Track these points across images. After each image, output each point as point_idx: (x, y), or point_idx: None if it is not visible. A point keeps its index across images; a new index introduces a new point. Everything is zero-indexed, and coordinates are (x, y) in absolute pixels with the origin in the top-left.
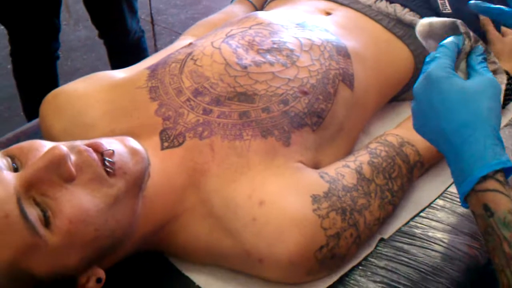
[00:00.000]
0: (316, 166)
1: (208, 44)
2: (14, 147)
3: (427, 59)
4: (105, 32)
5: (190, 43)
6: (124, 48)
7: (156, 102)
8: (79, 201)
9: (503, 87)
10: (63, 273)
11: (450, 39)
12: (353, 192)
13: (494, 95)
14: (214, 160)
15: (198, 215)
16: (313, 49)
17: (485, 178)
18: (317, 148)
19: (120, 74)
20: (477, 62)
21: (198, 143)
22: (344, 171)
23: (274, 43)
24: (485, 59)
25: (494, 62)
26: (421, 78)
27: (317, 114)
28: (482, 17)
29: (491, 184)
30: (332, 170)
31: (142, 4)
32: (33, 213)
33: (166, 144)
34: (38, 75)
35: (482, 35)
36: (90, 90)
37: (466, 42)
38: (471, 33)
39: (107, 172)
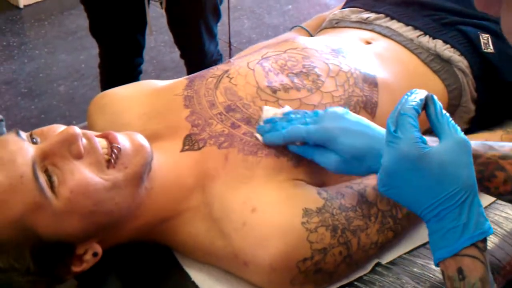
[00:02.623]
0: (321, 186)
1: (244, 64)
2: (37, 129)
3: (391, 129)
4: (185, 53)
5: (229, 61)
6: (201, 69)
7: (189, 110)
8: (81, 176)
9: None
10: (62, 237)
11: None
12: (349, 212)
13: (467, 155)
14: (224, 168)
15: (199, 215)
16: (340, 75)
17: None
18: (326, 171)
19: (163, 83)
20: (440, 117)
21: (216, 150)
22: (345, 191)
23: (304, 67)
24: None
25: None
26: (391, 155)
27: None
28: None
29: (471, 250)
30: (333, 189)
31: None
32: (43, 178)
33: (186, 147)
34: None
35: None
36: (133, 94)
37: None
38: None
39: (109, 161)
